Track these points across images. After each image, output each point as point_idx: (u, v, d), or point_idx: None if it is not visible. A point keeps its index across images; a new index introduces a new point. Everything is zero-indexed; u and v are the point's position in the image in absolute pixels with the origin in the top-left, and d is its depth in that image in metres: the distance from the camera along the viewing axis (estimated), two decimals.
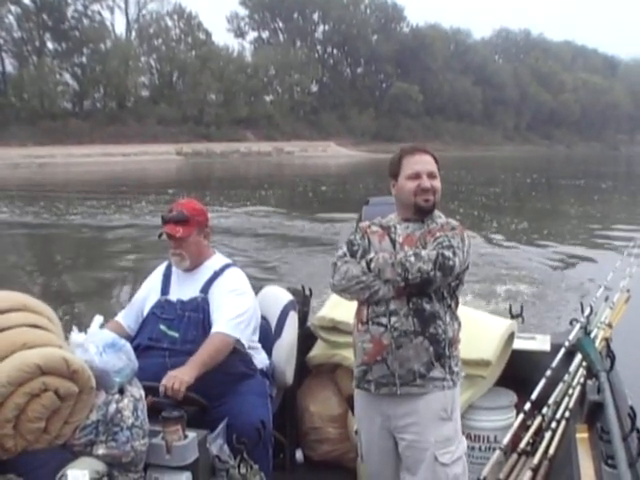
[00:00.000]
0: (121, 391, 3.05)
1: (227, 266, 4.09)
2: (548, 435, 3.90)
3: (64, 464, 2.85)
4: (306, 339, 4.60)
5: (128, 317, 4.18)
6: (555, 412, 4.04)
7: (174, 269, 4.13)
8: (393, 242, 3.30)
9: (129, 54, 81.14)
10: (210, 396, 3.64)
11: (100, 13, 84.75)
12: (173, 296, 4.03)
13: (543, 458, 3.75)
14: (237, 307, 3.89)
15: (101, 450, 2.94)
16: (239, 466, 3.30)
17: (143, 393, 3.15)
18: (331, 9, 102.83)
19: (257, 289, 4.42)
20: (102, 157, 60.54)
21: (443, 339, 3.22)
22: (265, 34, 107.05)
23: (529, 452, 3.90)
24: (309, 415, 4.68)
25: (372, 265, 3.18)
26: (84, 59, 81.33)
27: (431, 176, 3.29)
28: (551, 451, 3.79)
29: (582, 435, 3.67)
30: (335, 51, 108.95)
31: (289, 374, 4.33)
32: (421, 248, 3.20)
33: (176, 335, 3.86)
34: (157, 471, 3.08)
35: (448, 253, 3.12)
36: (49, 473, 2.81)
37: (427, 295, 3.19)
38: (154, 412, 3.15)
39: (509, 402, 4.41)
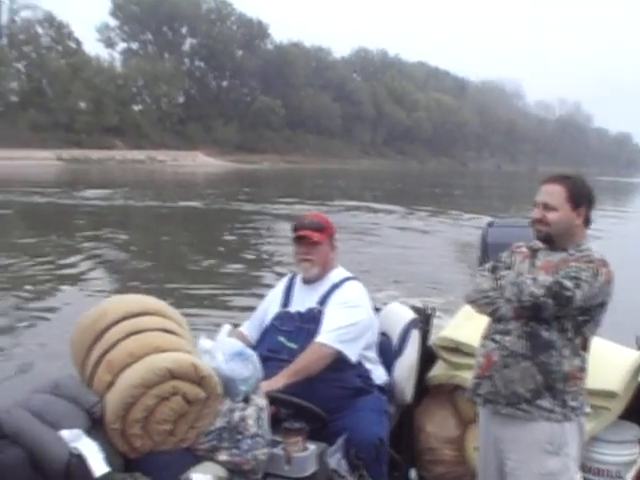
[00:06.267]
0: (246, 400, 3.10)
1: (347, 279, 4.07)
2: None
3: (187, 467, 2.93)
4: (427, 358, 4.44)
5: (251, 327, 4.23)
6: None
7: (297, 282, 4.16)
8: (533, 265, 3.24)
9: (1, 60, 79.85)
10: (328, 410, 3.62)
11: None
12: (293, 308, 4.04)
13: None
14: (344, 319, 3.84)
15: (223, 456, 3.00)
16: None
17: (267, 403, 3.19)
18: (199, 24, 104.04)
19: (383, 306, 4.54)
20: None
21: (555, 371, 3.12)
22: (135, 45, 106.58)
23: None
24: (425, 435, 4.52)
25: (500, 282, 3.15)
26: None
27: (546, 207, 3.15)
28: None
29: None
30: (202, 64, 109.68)
31: (408, 392, 4.21)
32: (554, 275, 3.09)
33: (294, 347, 3.85)
34: None
35: (568, 283, 3.00)
36: (173, 474, 2.89)
37: (546, 322, 3.10)
38: (276, 422, 3.21)
39: (634, 437, 4.16)
